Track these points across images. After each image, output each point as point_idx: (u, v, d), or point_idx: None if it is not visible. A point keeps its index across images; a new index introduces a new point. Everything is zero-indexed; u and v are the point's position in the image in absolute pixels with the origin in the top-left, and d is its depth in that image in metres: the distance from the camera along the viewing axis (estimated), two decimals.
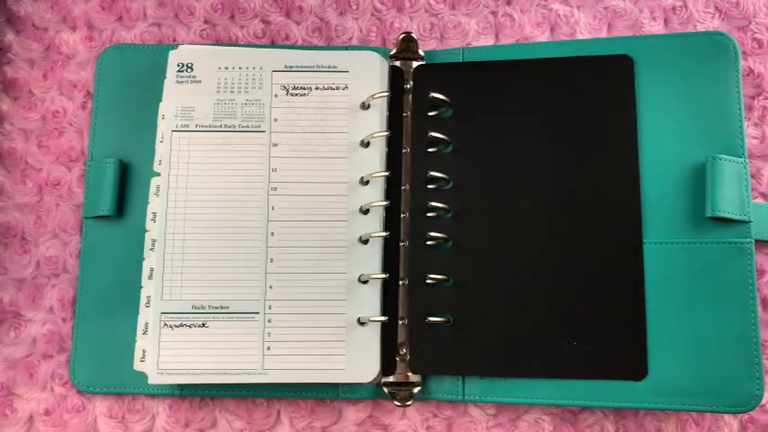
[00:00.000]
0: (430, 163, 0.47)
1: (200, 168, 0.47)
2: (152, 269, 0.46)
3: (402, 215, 0.47)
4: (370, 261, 0.45)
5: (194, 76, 0.48)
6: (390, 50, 0.49)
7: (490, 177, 0.46)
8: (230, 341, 0.44)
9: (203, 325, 0.44)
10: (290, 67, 0.48)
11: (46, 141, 0.51)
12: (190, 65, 0.48)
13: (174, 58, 0.48)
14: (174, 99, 0.48)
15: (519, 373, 0.44)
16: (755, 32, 0.49)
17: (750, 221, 0.44)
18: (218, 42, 0.52)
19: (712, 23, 0.49)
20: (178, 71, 0.48)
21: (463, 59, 0.49)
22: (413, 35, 0.49)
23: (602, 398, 0.43)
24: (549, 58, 0.47)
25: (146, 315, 0.45)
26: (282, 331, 0.44)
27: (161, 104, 0.48)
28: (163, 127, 0.48)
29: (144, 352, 0.45)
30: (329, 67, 0.48)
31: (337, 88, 0.48)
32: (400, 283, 0.46)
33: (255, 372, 0.44)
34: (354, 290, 0.45)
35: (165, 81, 0.48)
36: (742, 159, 0.44)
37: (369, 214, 0.46)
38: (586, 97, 0.46)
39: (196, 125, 0.47)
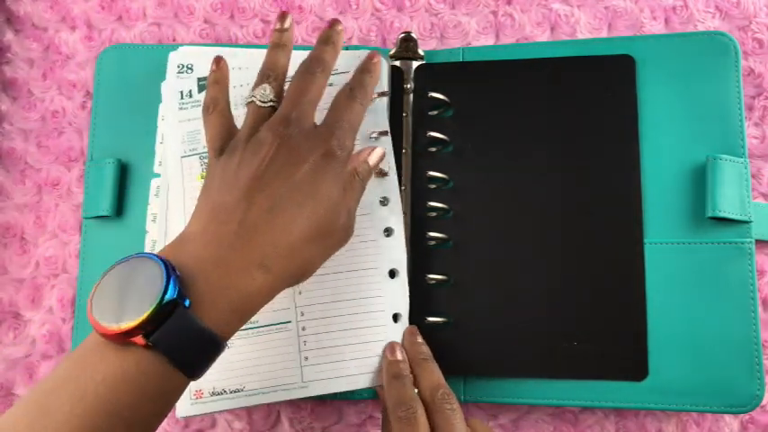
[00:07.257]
0: (430, 163, 0.47)
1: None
2: None
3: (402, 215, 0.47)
4: (397, 252, 0.44)
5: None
6: (390, 50, 0.49)
7: (490, 177, 0.46)
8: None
9: None
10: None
11: (45, 141, 0.51)
12: (190, 66, 0.48)
13: (174, 59, 0.48)
14: (178, 126, 0.46)
15: (519, 373, 0.44)
16: (756, 32, 0.49)
17: (750, 221, 0.44)
18: (218, 42, 0.52)
19: (713, 23, 0.49)
20: (178, 72, 0.47)
21: (463, 59, 0.49)
22: (413, 35, 0.49)
23: (602, 398, 0.43)
24: (549, 58, 0.47)
25: None
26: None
27: (161, 106, 0.48)
28: (163, 128, 0.47)
29: None
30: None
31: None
32: None
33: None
34: (387, 284, 0.44)
35: (164, 83, 0.47)
36: (742, 159, 0.44)
37: (388, 205, 0.45)
38: (587, 97, 0.46)
39: (203, 146, 0.45)
